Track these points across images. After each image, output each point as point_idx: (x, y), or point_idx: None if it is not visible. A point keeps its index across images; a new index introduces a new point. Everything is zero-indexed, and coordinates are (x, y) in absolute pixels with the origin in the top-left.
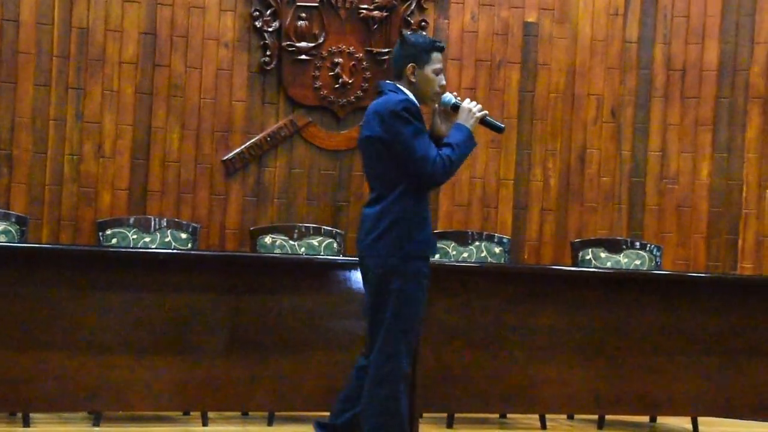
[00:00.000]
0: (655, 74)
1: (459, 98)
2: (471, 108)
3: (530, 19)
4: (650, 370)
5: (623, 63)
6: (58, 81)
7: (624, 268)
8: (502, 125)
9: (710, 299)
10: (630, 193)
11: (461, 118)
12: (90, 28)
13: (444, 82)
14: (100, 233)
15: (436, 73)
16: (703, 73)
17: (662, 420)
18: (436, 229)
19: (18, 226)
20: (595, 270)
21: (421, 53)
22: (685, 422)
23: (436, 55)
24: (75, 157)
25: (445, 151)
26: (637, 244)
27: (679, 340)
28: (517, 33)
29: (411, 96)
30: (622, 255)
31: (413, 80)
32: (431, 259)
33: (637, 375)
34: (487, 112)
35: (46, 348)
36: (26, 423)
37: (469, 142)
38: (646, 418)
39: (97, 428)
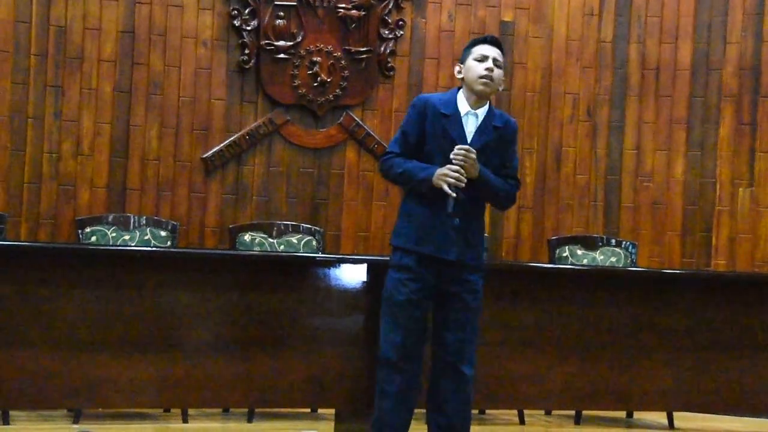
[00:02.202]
0: (630, 73)
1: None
2: (448, 173)
3: (506, 19)
4: (626, 366)
5: (598, 62)
6: (36, 79)
7: (600, 265)
8: (450, 205)
9: (685, 295)
10: (606, 190)
11: (440, 169)
12: (68, 26)
13: (488, 65)
14: (79, 231)
15: (478, 60)
16: (677, 72)
17: (638, 415)
18: None
19: None
20: (572, 267)
21: (464, 52)
22: (660, 417)
23: (478, 47)
24: (54, 155)
25: (404, 163)
26: (613, 241)
27: (654, 336)
28: (494, 32)
29: (460, 94)
30: (598, 252)
31: (461, 77)
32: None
33: (614, 371)
34: (453, 195)
35: (26, 346)
36: (6, 421)
37: (415, 183)
38: (622, 414)
39: (76, 426)
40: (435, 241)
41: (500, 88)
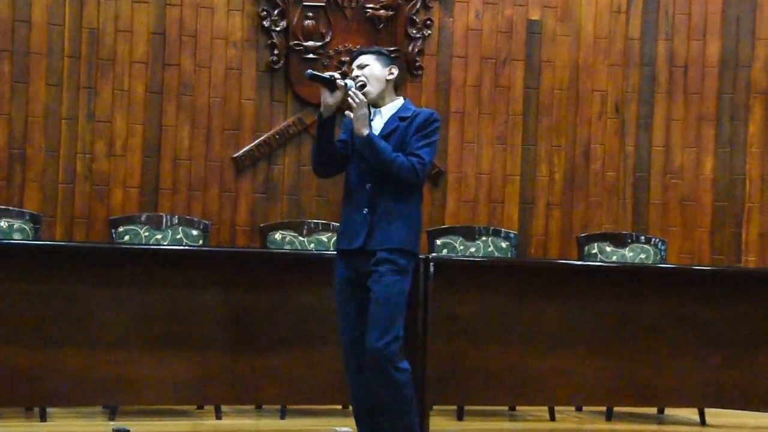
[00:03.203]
0: (658, 70)
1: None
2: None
3: (534, 17)
4: (657, 362)
5: (626, 60)
6: (69, 81)
7: (629, 261)
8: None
9: (715, 292)
10: (634, 187)
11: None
12: (100, 29)
13: (356, 75)
14: (113, 230)
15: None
16: (706, 69)
17: (669, 411)
18: (443, 225)
19: (32, 224)
20: (601, 264)
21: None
22: (692, 413)
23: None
24: (87, 155)
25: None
26: (642, 238)
27: (684, 333)
28: (521, 31)
29: None
30: (627, 249)
31: None
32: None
33: (644, 367)
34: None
35: (62, 344)
36: (43, 418)
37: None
38: (653, 410)
39: (112, 422)
40: (348, 235)
41: (389, 78)
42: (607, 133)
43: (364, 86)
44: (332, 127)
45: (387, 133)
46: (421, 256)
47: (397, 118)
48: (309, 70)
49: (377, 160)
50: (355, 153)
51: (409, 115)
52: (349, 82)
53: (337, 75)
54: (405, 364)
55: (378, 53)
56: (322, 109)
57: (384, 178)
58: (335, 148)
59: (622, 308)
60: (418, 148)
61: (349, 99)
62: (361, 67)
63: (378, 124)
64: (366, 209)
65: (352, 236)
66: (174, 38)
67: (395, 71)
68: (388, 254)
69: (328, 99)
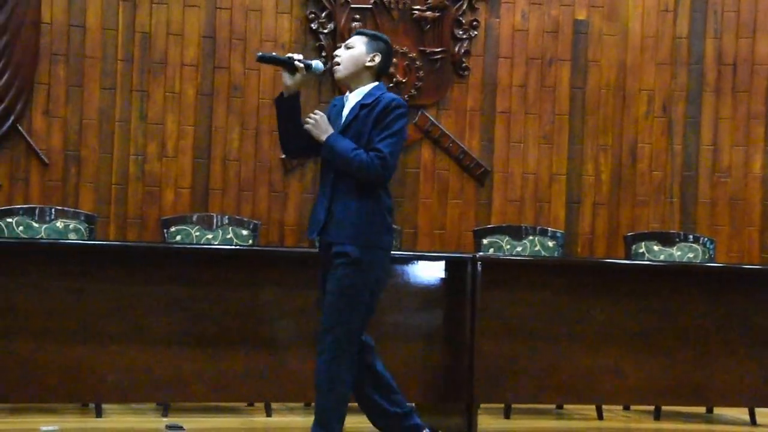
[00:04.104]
0: (706, 69)
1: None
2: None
3: (580, 17)
4: (706, 362)
5: (674, 58)
6: (122, 84)
7: (677, 261)
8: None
9: (764, 291)
10: (682, 186)
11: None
12: (152, 32)
13: (336, 54)
14: (165, 230)
15: None
16: (755, 66)
17: (719, 411)
18: (489, 224)
19: (87, 224)
20: (650, 263)
21: None
22: (741, 413)
23: None
24: (139, 157)
25: None
26: (691, 237)
27: (734, 332)
28: (568, 30)
29: None
30: (675, 248)
31: None
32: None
33: (693, 366)
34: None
35: (116, 341)
36: (99, 413)
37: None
38: (702, 409)
39: (165, 419)
40: (311, 223)
41: (369, 65)
42: (654, 133)
43: (309, 67)
44: (295, 106)
45: (348, 123)
46: (467, 255)
47: (359, 105)
48: (259, 53)
49: (337, 163)
50: None
51: (370, 102)
52: (316, 63)
53: (295, 56)
54: (349, 362)
55: (372, 37)
56: (283, 90)
57: (325, 156)
58: (298, 128)
59: (671, 307)
60: (379, 141)
61: (307, 126)
62: (348, 47)
63: (345, 111)
64: (326, 199)
65: (313, 225)
66: (224, 41)
67: (377, 59)
68: (341, 247)
69: (288, 81)
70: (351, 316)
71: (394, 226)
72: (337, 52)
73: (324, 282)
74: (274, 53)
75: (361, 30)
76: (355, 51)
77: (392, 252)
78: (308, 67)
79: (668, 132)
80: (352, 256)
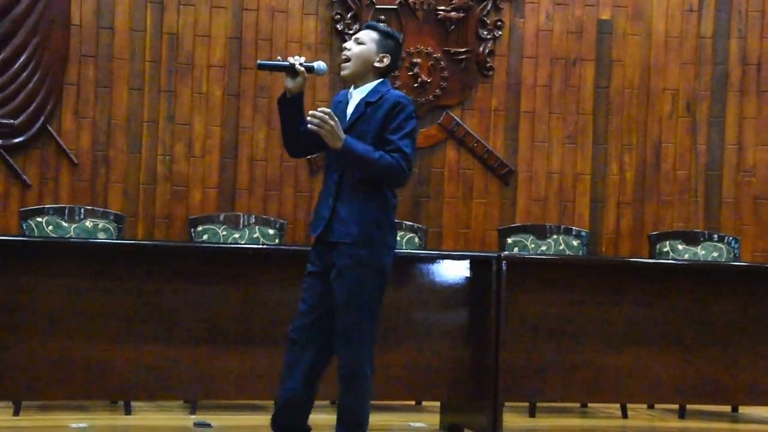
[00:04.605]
0: (730, 69)
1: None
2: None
3: (604, 17)
4: (731, 361)
5: (698, 58)
6: (150, 84)
7: (702, 260)
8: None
9: None
10: (706, 186)
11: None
12: (180, 34)
13: (345, 49)
14: (192, 229)
15: None
16: None
17: (743, 410)
18: (514, 223)
19: (115, 224)
20: (674, 262)
21: None
22: (767, 412)
23: None
24: (167, 157)
25: None
26: (715, 236)
27: (758, 331)
28: (592, 30)
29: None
30: (699, 247)
31: None
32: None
33: (718, 365)
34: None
35: (145, 340)
36: (128, 411)
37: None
38: (727, 408)
39: (193, 416)
40: (314, 221)
41: (377, 65)
42: (679, 132)
43: (311, 70)
44: (298, 108)
45: (353, 121)
46: (492, 254)
47: (365, 103)
48: (258, 61)
49: (359, 167)
50: None
51: (375, 99)
52: (318, 65)
53: (296, 60)
54: (369, 361)
55: (383, 35)
56: (286, 91)
57: (342, 161)
58: (300, 128)
59: (695, 306)
60: (399, 140)
61: (314, 127)
62: (358, 42)
63: (349, 110)
64: (331, 198)
65: (316, 223)
66: (250, 42)
67: (386, 61)
68: (346, 247)
69: (290, 84)
70: (366, 314)
71: (419, 226)
72: (346, 45)
73: (311, 279)
74: (273, 60)
75: (372, 24)
76: (365, 49)
77: (417, 252)
78: (310, 69)
79: (692, 131)
80: (357, 256)
